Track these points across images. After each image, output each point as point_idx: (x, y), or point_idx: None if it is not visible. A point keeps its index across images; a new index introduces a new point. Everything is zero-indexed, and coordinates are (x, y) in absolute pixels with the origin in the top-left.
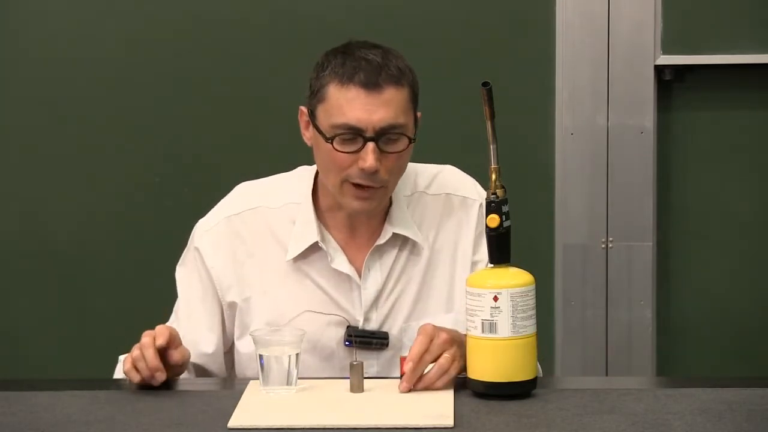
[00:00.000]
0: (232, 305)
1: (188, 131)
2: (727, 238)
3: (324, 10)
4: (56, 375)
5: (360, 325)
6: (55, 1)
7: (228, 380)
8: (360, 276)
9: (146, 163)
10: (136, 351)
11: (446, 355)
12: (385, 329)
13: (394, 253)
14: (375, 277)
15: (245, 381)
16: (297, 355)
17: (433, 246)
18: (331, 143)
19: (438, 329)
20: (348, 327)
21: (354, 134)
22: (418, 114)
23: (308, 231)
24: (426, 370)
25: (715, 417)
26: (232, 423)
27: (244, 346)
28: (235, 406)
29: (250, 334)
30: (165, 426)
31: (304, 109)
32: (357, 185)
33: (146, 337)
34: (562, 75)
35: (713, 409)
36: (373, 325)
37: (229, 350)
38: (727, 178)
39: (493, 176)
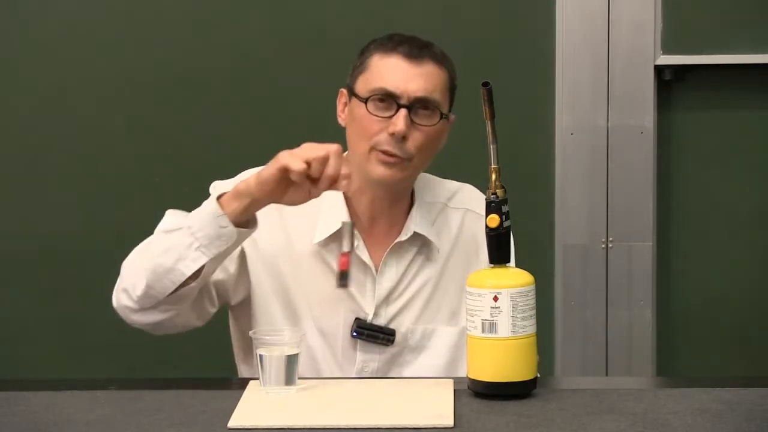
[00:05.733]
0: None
1: (188, 131)
2: (727, 238)
3: (323, 11)
4: (56, 375)
5: (369, 318)
6: (55, 1)
7: (228, 380)
8: (377, 270)
9: (146, 163)
10: (322, 151)
11: None
12: (392, 327)
13: (412, 252)
14: (391, 274)
15: (245, 381)
16: (297, 355)
17: (448, 257)
18: (365, 104)
19: None
20: (357, 319)
21: (389, 99)
22: (452, 116)
23: (337, 213)
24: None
25: (715, 417)
26: (232, 423)
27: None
28: (235, 406)
29: (249, 335)
30: (165, 426)
31: (344, 90)
32: (384, 152)
33: (333, 147)
34: (562, 75)
35: (713, 409)
36: (381, 321)
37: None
38: (727, 178)
39: (493, 176)
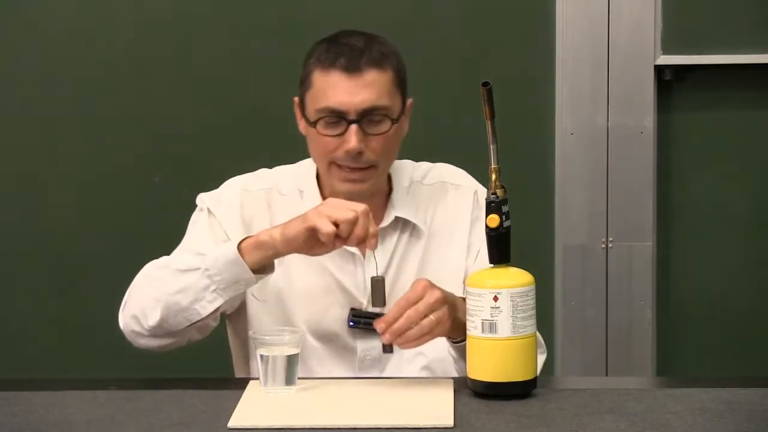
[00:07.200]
0: None
1: (189, 131)
2: (727, 238)
3: (322, 11)
4: (56, 375)
5: (363, 307)
6: (56, 1)
7: (228, 380)
8: (364, 257)
9: (146, 163)
10: (351, 213)
11: (431, 317)
12: (385, 311)
13: (395, 236)
14: (377, 260)
15: (245, 381)
16: (297, 355)
17: (430, 230)
18: (315, 127)
19: (431, 287)
20: (351, 309)
21: (337, 117)
22: (409, 100)
23: None
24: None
25: (715, 417)
26: (232, 423)
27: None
28: (235, 406)
29: (249, 335)
30: (165, 426)
31: (297, 99)
32: (345, 168)
33: (361, 207)
34: (562, 75)
35: (713, 409)
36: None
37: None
38: (727, 178)
39: (493, 176)
